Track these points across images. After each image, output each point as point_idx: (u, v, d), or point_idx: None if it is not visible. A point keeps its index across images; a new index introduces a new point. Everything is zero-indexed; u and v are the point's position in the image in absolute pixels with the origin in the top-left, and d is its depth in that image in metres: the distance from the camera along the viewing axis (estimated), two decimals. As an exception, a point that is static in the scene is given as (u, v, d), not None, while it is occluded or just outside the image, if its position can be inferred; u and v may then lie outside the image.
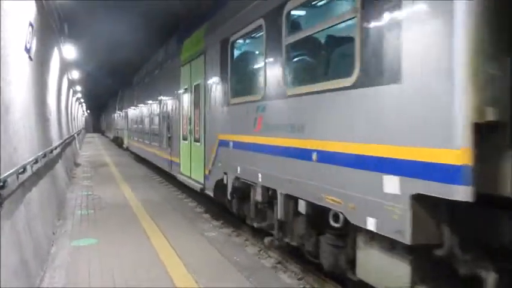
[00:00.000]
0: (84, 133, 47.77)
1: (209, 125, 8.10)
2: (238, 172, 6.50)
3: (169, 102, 12.52)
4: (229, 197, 7.03)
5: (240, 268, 5.55)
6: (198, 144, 8.83)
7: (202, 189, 8.45)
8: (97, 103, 57.95)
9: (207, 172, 8.19)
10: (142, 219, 8.19)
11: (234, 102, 6.75)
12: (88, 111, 63.00)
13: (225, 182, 7.09)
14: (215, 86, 7.64)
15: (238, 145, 6.50)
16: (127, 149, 25.43)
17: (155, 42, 17.35)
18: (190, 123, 9.61)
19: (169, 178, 13.41)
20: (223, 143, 7.20)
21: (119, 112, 31.27)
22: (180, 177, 10.45)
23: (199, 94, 8.81)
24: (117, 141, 32.41)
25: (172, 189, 12.63)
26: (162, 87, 13.84)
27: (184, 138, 10.17)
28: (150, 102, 16.40)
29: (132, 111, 22.54)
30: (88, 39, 16.58)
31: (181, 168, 10.59)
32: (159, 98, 14.17)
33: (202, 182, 8.54)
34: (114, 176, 14.93)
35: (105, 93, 44.01)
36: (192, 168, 9.50)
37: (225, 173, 7.10)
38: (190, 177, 9.57)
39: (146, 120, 17.21)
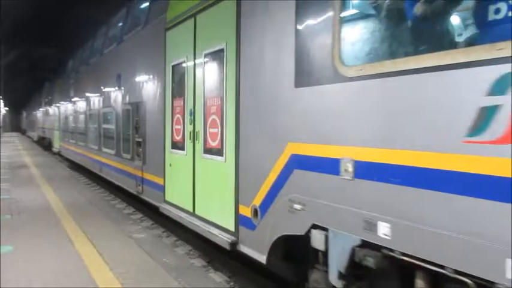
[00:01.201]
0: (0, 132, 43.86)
1: (251, 126, 4.46)
2: (388, 235, 2.89)
3: (137, 89, 8.37)
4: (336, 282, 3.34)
5: (169, 269, 5.56)
6: (218, 159, 5.09)
7: (234, 244, 4.70)
8: (17, 99, 53.47)
9: (245, 212, 4.55)
10: (65, 224, 7.82)
11: (378, 72, 2.99)
12: (6, 108, 57.81)
13: (315, 245, 3.53)
14: (285, 42, 3.90)
15: (397, 172, 2.84)
16: (58, 154, 20.89)
17: (101, 11, 13.24)
18: (192, 122, 5.80)
19: (97, 179, 12.71)
20: (311, 163, 3.58)
21: (46, 108, 28.29)
22: (166, 209, 6.58)
23: (222, 67, 5.02)
24: (43, 143, 29.07)
25: (99, 190, 12.13)
26: (124, 67, 9.62)
27: (177, 147, 6.35)
28: (100, 91, 11.95)
29: (68, 106, 17.88)
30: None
31: (167, 195, 6.74)
32: (119, 84, 9.85)
33: (231, 228, 4.81)
34: (36, 178, 13.92)
35: (26, 87, 40.55)
36: (199, 200, 5.70)
37: (315, 226, 3.54)
38: (193, 214, 5.80)
39: (93, 118, 12.81)
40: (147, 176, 7.80)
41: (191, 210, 5.88)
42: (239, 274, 5.58)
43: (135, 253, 6.15)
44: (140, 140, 8.15)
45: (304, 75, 3.67)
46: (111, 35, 11.61)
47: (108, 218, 8.46)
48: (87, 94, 13.69)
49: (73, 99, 16.59)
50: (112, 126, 10.46)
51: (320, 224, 3.47)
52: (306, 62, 3.65)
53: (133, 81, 8.77)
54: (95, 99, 12.58)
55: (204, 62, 5.51)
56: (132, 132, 8.64)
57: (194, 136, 5.78)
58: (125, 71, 9.58)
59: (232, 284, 5.40)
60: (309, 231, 3.58)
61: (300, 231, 3.68)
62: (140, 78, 8.34)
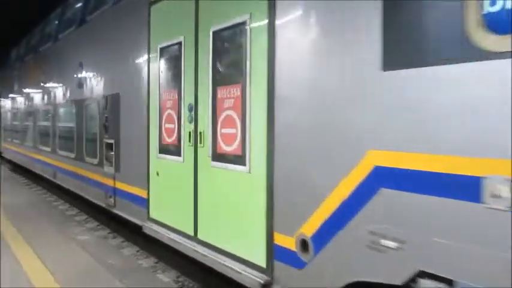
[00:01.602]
0: None
1: (296, 125, 3.25)
2: None
3: (107, 80, 6.96)
4: None
5: (114, 271, 5.43)
6: (237, 169, 3.84)
7: (267, 285, 3.47)
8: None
9: (284, 243, 3.35)
10: (2, 228, 7.27)
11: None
12: None
13: None
14: None
15: None
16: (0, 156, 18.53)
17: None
18: (193, 120, 4.48)
19: (37, 179, 11.98)
20: (416, 181, 2.41)
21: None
22: (152, 229, 5.20)
23: (242, 45, 3.78)
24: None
25: (40, 191, 11.60)
26: (88, 53, 8.05)
27: (168, 151, 4.98)
28: (54, 84, 10.19)
29: (12, 101, 15.62)
30: None
31: (153, 211, 5.36)
32: (80, 74, 8.17)
33: (261, 263, 3.57)
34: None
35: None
36: (203, 220, 4.39)
37: (422, 274, 2.38)
38: (195, 238, 4.47)
39: (44, 115, 10.97)
40: (122, 186, 6.31)
41: (191, 233, 4.55)
42: (188, 273, 5.43)
43: (78, 256, 5.95)
44: (111, 141, 6.64)
45: (401, 52, 2.51)
46: (68, 17, 9.82)
47: (49, 219, 8.15)
48: (37, 87, 11.76)
49: (17, 94, 14.49)
50: (71, 125, 8.77)
51: (435, 273, 2.33)
52: (407, 29, 2.49)
53: (101, 71, 7.23)
54: (48, 94, 10.71)
55: (213, 41, 4.20)
56: (100, 132, 7.09)
57: (196, 138, 4.46)
58: (88, 59, 7.98)
59: (180, 283, 5.31)
60: (412, 280, 2.43)
61: (393, 279, 2.52)
62: (111, 66, 6.83)
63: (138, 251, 6.48)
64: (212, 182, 4.23)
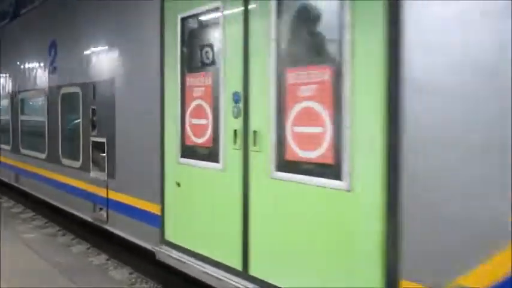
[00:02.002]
0: None
1: (455, 120, 2.14)
2: None
3: (95, 62, 5.49)
4: None
5: (63, 270, 5.15)
6: (326, 184, 2.71)
7: None
8: None
9: None
10: None
11: None
12: None
13: None
14: None
15: None
16: None
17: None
18: (241, 114, 3.30)
19: None
20: None
21: None
22: (171, 256, 3.96)
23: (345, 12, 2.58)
24: None
25: None
26: (63, 29, 6.41)
27: (196, 155, 3.79)
28: (14, 68, 8.53)
29: None
30: None
31: (170, 232, 4.13)
32: (53, 55, 6.67)
33: None
34: None
35: None
36: (261, 251, 3.19)
37: None
38: (245, 275, 3.28)
39: (8, 103, 8.97)
40: (119, 197, 4.98)
41: (238, 267, 3.37)
42: (140, 270, 5.21)
43: (24, 255, 5.62)
44: (102, 140, 5.26)
45: None
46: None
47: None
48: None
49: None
50: (40, 118, 7.20)
51: None
52: None
53: (83, 50, 5.77)
54: (7, 80, 8.89)
55: (277, 5, 3.00)
56: (84, 128, 5.68)
57: (246, 139, 3.27)
58: (65, 35, 6.46)
59: (133, 280, 5.12)
60: None
61: None
62: (100, 44, 5.40)
63: (88, 249, 6.25)
64: (277, 199, 3.06)
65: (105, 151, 5.19)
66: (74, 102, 5.99)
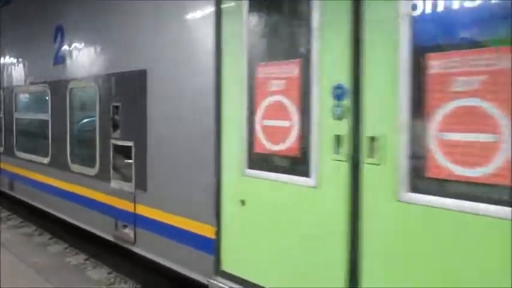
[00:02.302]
0: None
1: None
2: None
3: (117, 48, 4.63)
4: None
5: (40, 270, 5.08)
6: None
7: None
8: None
9: None
10: None
11: None
12: None
13: None
14: None
15: None
16: None
17: None
18: (348, 115, 2.51)
19: None
20: None
21: None
22: None
23: None
24: None
25: None
26: (76, 12, 5.41)
27: (270, 166, 2.97)
28: (11, 56, 7.34)
29: None
30: None
31: (228, 261, 3.26)
32: (59, 42, 5.65)
33: None
34: None
35: None
36: None
37: None
38: None
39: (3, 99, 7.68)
40: (152, 214, 4.11)
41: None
42: (120, 269, 5.14)
43: None
44: (129, 144, 4.38)
45: None
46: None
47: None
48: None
49: None
50: (44, 117, 6.25)
51: None
52: None
53: (101, 36, 4.87)
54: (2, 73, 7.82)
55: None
56: (103, 130, 4.78)
57: (357, 147, 2.47)
58: (75, 19, 5.51)
59: (112, 280, 5.04)
60: None
61: None
62: (125, 29, 4.51)
63: (66, 248, 6.16)
64: (409, 228, 2.26)
65: (133, 157, 4.31)
66: (87, 98, 5.09)
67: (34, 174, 6.47)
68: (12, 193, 7.27)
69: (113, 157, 4.61)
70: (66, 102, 5.55)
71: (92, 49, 5.04)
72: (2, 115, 7.65)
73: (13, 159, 7.17)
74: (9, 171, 7.35)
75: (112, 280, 5.08)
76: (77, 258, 5.78)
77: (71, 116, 5.53)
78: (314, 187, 2.70)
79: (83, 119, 5.36)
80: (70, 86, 5.49)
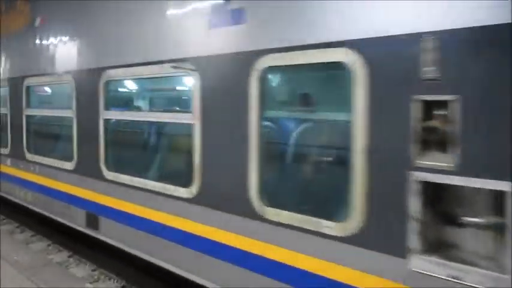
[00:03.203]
0: None
1: None
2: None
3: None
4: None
5: (21, 268, 5.00)
6: None
7: None
8: None
9: None
10: None
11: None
12: None
13: None
14: None
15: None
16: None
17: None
18: None
19: None
20: None
21: None
22: None
23: None
24: None
25: None
26: None
27: None
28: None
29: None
30: None
31: None
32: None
33: None
34: None
35: None
36: None
37: None
38: None
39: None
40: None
41: None
42: (104, 266, 5.10)
43: None
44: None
45: None
46: None
47: None
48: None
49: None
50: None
51: None
52: None
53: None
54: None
55: None
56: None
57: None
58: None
59: (96, 277, 4.99)
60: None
61: None
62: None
63: (49, 245, 6.14)
64: None
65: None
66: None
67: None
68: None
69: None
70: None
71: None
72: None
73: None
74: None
75: (96, 277, 5.08)
76: (60, 256, 5.75)
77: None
78: None
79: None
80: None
